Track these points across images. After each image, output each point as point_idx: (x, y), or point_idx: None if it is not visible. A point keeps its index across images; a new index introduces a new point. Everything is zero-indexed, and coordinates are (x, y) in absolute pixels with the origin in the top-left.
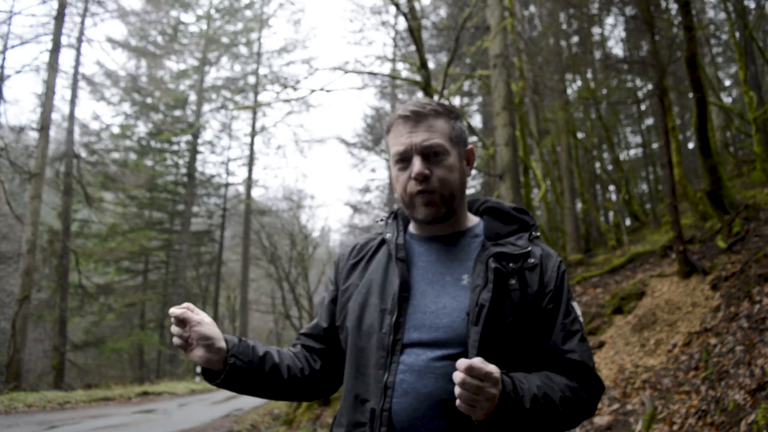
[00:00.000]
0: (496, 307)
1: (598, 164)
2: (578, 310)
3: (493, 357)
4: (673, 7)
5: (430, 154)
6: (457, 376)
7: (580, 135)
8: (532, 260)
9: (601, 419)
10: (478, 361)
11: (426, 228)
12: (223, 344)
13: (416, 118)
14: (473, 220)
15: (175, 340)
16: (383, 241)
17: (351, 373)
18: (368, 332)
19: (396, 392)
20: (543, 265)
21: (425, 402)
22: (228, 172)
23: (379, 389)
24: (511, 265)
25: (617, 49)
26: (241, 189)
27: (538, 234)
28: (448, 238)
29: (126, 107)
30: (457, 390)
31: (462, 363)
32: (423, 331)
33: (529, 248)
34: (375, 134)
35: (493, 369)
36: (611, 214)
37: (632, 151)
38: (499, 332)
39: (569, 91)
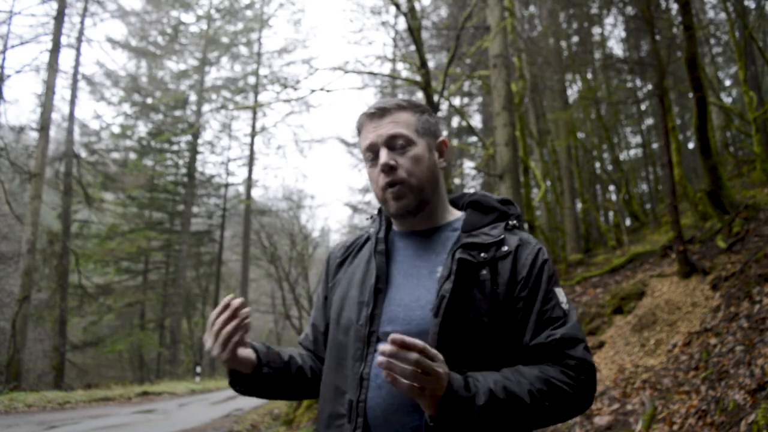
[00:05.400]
0: (462, 298)
1: (598, 164)
2: (562, 296)
3: (455, 350)
4: (673, 7)
5: (396, 145)
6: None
7: (580, 135)
8: (505, 248)
9: (601, 419)
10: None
11: (404, 223)
12: (251, 351)
13: (381, 113)
14: (455, 214)
15: (211, 340)
16: (369, 238)
17: (331, 365)
18: (346, 325)
19: (371, 385)
20: (517, 253)
21: (398, 396)
22: (228, 172)
23: (356, 381)
24: (483, 255)
25: (617, 49)
26: (241, 189)
27: (516, 223)
28: (428, 233)
29: (126, 107)
30: (400, 370)
31: (395, 337)
32: (396, 323)
33: (503, 237)
34: None
35: (435, 354)
36: (611, 214)
37: (632, 151)
38: (464, 325)
39: (569, 91)
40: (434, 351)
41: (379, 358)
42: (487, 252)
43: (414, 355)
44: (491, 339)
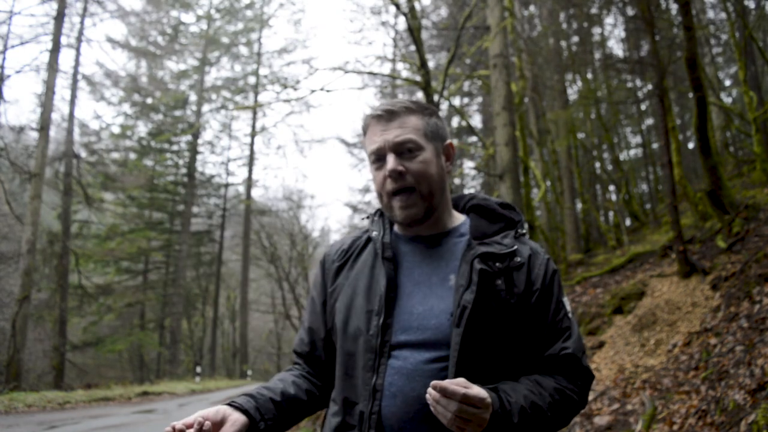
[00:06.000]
0: (481, 308)
1: (598, 164)
2: (568, 306)
3: (476, 359)
4: (673, 7)
5: (404, 151)
6: (445, 402)
7: (580, 135)
8: (518, 259)
9: (601, 419)
10: (461, 383)
11: (409, 228)
12: (239, 415)
13: (388, 116)
14: (459, 218)
15: None
16: (369, 240)
17: (340, 375)
18: (355, 334)
19: (385, 395)
20: (530, 263)
21: (414, 405)
22: (228, 172)
23: (367, 392)
24: (497, 264)
25: (617, 49)
26: (241, 189)
27: (525, 231)
28: (434, 239)
29: (126, 107)
30: (442, 413)
31: (453, 389)
32: (411, 332)
33: (515, 247)
34: None
35: (484, 394)
36: (611, 214)
37: (632, 151)
38: (484, 334)
39: (569, 91)
40: (475, 394)
41: (429, 399)
42: (502, 262)
43: (454, 406)
44: (507, 347)
